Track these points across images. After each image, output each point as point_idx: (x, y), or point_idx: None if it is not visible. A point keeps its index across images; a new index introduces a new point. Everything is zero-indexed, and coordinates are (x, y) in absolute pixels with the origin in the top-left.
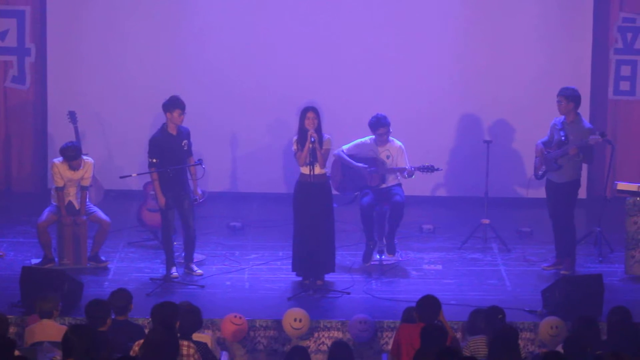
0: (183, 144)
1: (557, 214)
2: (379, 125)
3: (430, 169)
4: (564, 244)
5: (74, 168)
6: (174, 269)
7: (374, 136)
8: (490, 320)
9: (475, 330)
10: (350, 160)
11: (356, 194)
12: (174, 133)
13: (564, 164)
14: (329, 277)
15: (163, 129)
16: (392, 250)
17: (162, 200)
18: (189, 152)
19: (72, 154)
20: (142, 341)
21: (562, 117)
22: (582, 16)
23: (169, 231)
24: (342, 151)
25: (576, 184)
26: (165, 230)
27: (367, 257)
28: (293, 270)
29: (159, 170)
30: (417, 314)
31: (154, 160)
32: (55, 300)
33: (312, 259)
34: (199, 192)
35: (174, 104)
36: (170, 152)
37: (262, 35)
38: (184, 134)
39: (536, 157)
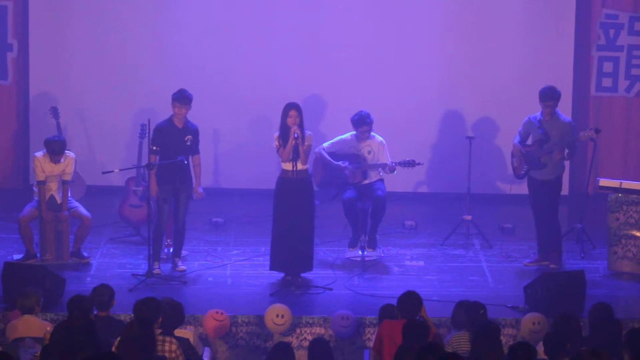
0: (186, 139)
1: (541, 211)
2: (362, 123)
3: (411, 163)
4: (551, 240)
5: (55, 161)
6: (157, 264)
7: (354, 132)
8: (472, 316)
9: (459, 323)
10: (330, 159)
11: (337, 191)
12: (180, 126)
13: (548, 162)
14: (311, 273)
15: (170, 119)
16: (373, 245)
17: (153, 191)
18: (194, 150)
19: (56, 148)
20: None
21: (538, 114)
22: (564, 12)
23: (161, 225)
24: (323, 149)
25: (560, 180)
26: (158, 224)
27: (353, 242)
28: (272, 269)
29: (139, 167)
30: (398, 310)
31: (155, 148)
32: (36, 295)
33: (294, 254)
34: (200, 190)
35: (173, 97)
36: (171, 143)
37: (245, 31)
38: (191, 130)
39: (513, 157)
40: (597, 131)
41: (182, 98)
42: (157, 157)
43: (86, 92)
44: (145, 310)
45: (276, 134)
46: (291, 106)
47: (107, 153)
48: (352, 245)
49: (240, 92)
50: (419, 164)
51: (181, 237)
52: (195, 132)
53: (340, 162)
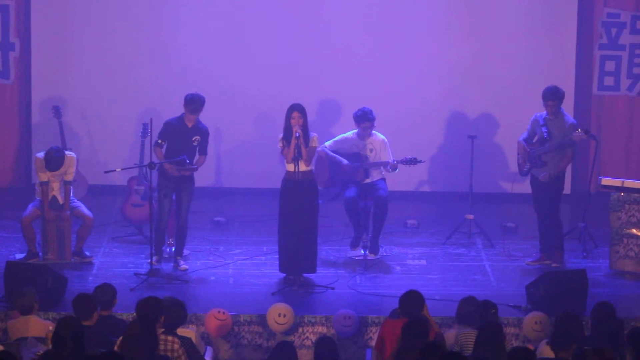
0: (193, 139)
1: (543, 210)
2: (364, 119)
3: (413, 161)
4: (552, 238)
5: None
6: (157, 258)
7: (357, 130)
8: (484, 315)
9: (464, 319)
10: (334, 154)
11: (339, 190)
12: (189, 125)
13: (549, 161)
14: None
15: (181, 117)
16: (375, 251)
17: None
18: (202, 150)
19: (52, 165)
20: None
21: (544, 112)
22: (566, 11)
23: (162, 220)
24: (325, 147)
25: (561, 180)
26: (159, 219)
27: (355, 242)
28: (281, 271)
29: (141, 166)
30: (400, 309)
31: (160, 142)
32: (31, 294)
33: (297, 254)
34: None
35: (184, 100)
36: (178, 141)
37: (247, 30)
38: (200, 131)
39: (518, 154)
40: (587, 132)
41: (190, 104)
42: (163, 152)
43: (88, 91)
44: (147, 309)
45: (280, 136)
46: (294, 107)
47: (109, 152)
48: (354, 245)
49: (242, 91)
50: (420, 161)
51: (183, 236)
52: (204, 133)
53: (343, 160)
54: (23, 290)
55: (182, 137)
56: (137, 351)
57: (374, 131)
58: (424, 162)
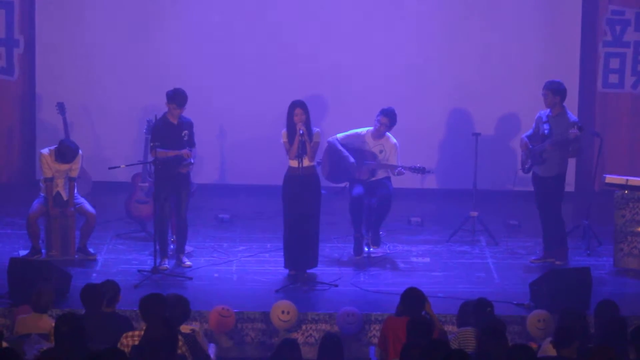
0: (183, 134)
1: (544, 208)
2: (385, 113)
3: (421, 170)
4: (555, 237)
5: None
6: (165, 261)
7: (371, 128)
8: (479, 313)
9: (465, 323)
10: (342, 149)
11: (345, 184)
12: (175, 122)
13: (549, 158)
14: (317, 269)
15: (164, 117)
16: (377, 242)
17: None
18: (191, 143)
19: (68, 156)
20: (129, 333)
21: (548, 110)
22: (571, 9)
23: (163, 222)
24: (337, 139)
25: (561, 177)
26: (159, 222)
27: (358, 250)
28: (286, 267)
29: (145, 162)
30: (401, 306)
31: (157, 143)
32: (49, 294)
33: (301, 250)
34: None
35: (171, 98)
36: (170, 140)
37: (252, 27)
38: (186, 124)
39: (522, 150)
40: (581, 129)
41: (178, 99)
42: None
43: (92, 88)
44: (151, 307)
45: (283, 132)
46: (296, 104)
47: (113, 149)
48: (358, 253)
49: (246, 87)
50: (428, 172)
51: (184, 234)
52: (190, 126)
53: (350, 158)
54: (42, 288)
55: (173, 136)
56: (158, 353)
57: (388, 133)
58: (432, 172)
